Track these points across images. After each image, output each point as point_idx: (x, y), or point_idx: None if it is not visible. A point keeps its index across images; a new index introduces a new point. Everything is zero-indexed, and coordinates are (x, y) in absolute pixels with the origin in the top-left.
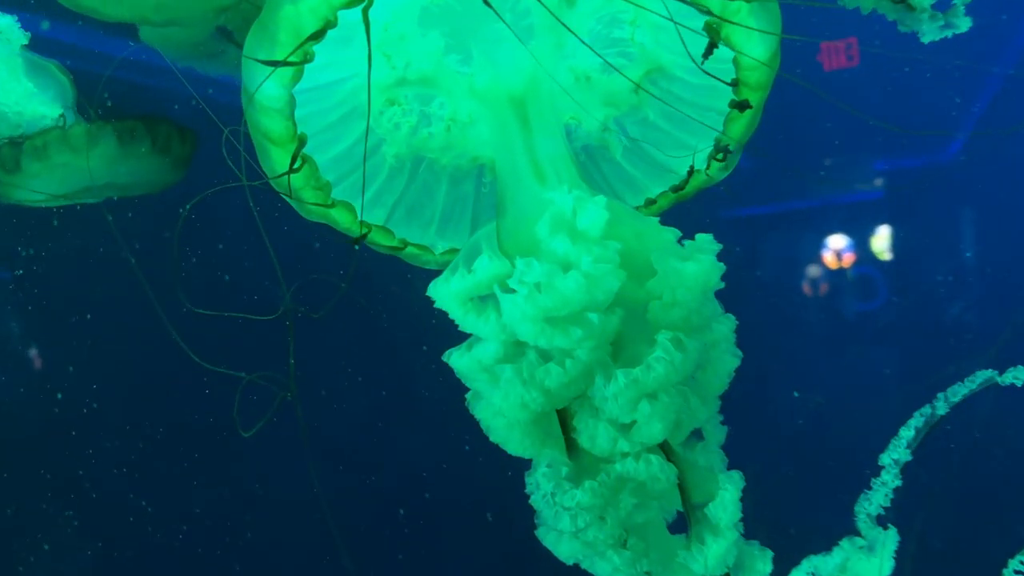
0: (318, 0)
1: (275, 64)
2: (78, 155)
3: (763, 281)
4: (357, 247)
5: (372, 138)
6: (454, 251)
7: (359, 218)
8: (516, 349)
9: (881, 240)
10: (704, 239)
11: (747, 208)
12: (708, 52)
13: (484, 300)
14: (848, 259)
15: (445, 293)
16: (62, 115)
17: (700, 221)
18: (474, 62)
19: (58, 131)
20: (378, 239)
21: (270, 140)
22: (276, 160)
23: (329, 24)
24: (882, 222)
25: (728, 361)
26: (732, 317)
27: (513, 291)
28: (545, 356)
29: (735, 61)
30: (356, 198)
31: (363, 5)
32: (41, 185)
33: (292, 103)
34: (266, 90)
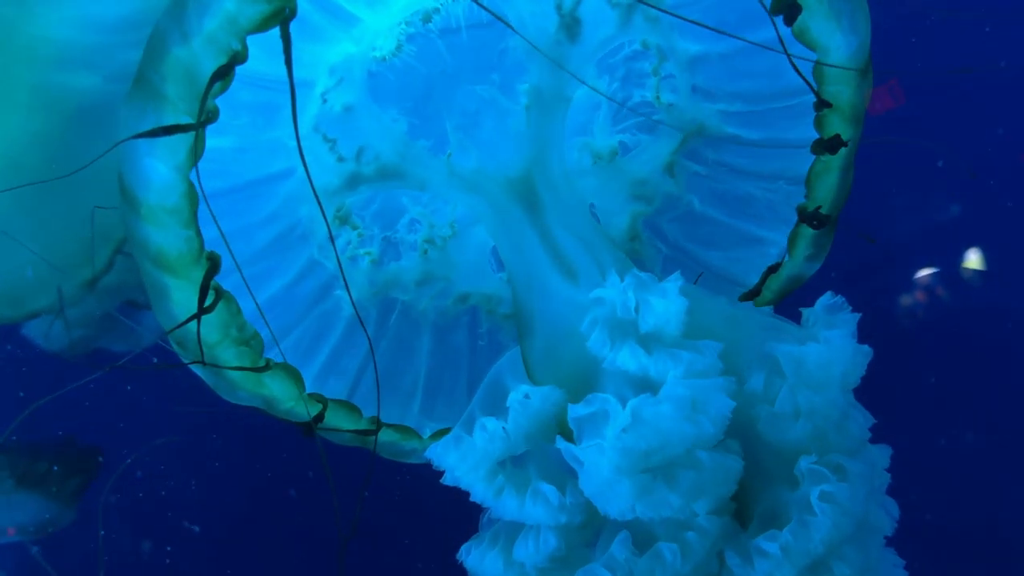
0: (218, 24)
1: (163, 132)
2: None
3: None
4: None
5: (320, 275)
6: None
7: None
8: (580, 536)
9: (973, 264)
10: (828, 308)
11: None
12: (791, 16)
13: (522, 465)
14: (940, 292)
15: (460, 459)
16: None
17: None
18: (452, 143)
19: None
20: (339, 422)
21: (164, 266)
22: (176, 301)
23: (237, 58)
24: (971, 246)
25: (883, 521)
26: (886, 447)
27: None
28: (644, 537)
29: (817, 73)
30: (304, 360)
31: (285, 16)
32: None
33: (193, 199)
34: (153, 180)
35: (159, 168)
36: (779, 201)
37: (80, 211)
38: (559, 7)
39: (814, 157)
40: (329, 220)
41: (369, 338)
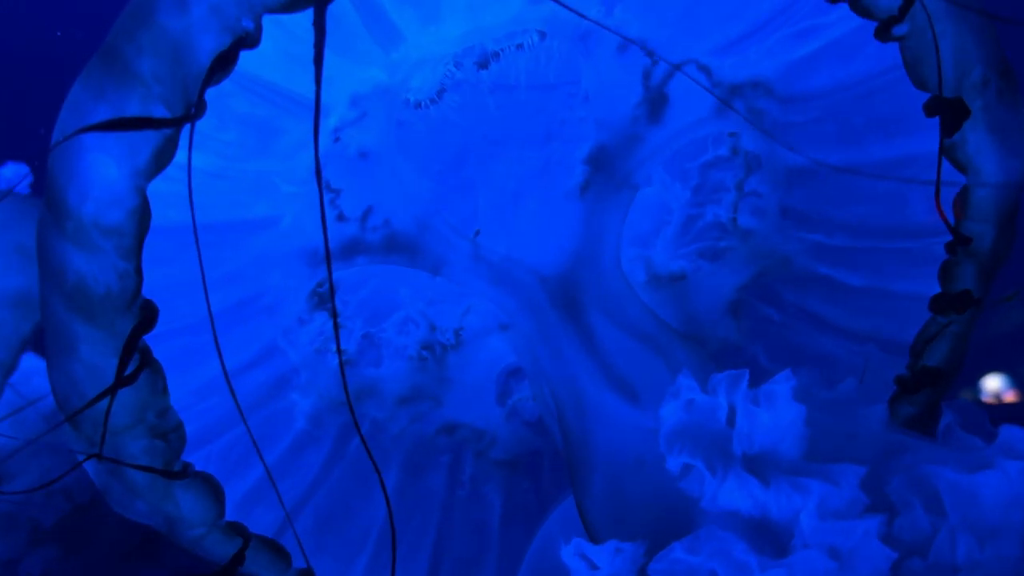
0: None
1: (128, 126)
2: None
3: None
4: None
5: (277, 366)
6: None
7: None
8: None
9: None
10: (1009, 429)
11: None
12: (954, 122)
13: None
14: (1010, 397)
15: None
16: None
17: None
18: (483, 222)
19: None
20: (257, 567)
21: (81, 307)
22: (83, 359)
23: (246, 41)
24: None
25: None
26: None
27: None
28: None
29: (960, 203)
30: (230, 474)
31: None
32: None
33: (144, 222)
34: (95, 184)
35: (109, 169)
36: (863, 369)
37: None
38: (646, 77)
39: (927, 318)
40: (304, 298)
41: (376, 468)
